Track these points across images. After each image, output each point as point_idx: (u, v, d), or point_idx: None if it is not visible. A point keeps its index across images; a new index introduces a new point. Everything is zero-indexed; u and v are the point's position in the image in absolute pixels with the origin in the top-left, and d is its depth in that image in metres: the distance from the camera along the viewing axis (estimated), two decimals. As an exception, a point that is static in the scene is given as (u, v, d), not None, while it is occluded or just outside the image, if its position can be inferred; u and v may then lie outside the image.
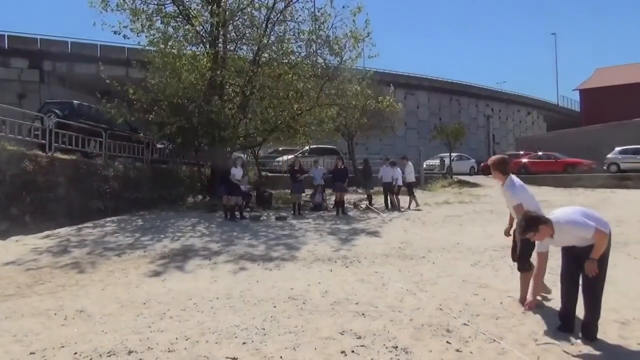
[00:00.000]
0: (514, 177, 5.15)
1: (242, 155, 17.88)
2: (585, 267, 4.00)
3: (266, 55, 16.25)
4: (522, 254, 5.19)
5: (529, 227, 4.11)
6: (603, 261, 4.09)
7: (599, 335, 4.18)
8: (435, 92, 43.28)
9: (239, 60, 16.67)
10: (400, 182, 15.59)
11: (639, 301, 5.21)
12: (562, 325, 4.36)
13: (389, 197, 15.58)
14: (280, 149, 23.95)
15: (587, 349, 3.99)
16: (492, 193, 18.48)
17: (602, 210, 12.72)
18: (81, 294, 6.21)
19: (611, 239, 4.16)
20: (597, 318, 4.19)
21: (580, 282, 4.20)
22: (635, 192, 17.71)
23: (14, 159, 11.49)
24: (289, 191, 15.18)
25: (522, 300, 4.93)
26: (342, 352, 4.04)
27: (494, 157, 5.40)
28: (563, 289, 4.38)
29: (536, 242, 4.33)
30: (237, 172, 13.09)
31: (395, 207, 15.28)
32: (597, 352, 3.95)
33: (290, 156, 22.11)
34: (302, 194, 14.90)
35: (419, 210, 14.77)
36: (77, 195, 12.81)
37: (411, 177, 16.09)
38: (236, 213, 12.92)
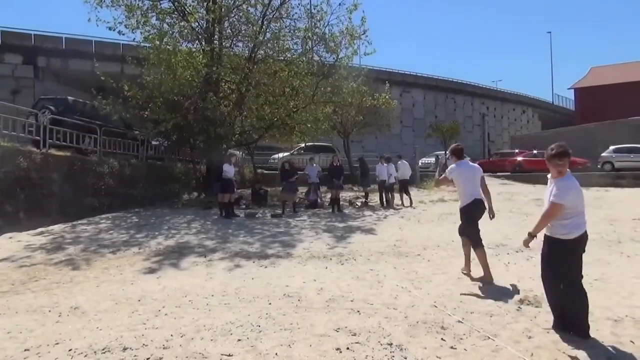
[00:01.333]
0: (463, 161, 6.33)
1: (237, 153, 17.84)
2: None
3: (262, 52, 16.24)
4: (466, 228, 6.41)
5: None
6: (566, 257, 4.26)
7: (593, 334, 4.21)
8: (431, 90, 43.34)
9: (234, 57, 16.62)
10: (392, 180, 15.58)
11: (631, 299, 5.26)
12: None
13: (384, 195, 15.60)
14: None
15: (581, 346, 4.02)
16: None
17: (596, 209, 12.89)
18: (76, 290, 6.19)
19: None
20: (578, 315, 4.20)
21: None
22: (629, 190, 17.82)
23: (7, 155, 11.41)
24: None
25: (486, 276, 5.77)
26: (337, 349, 4.05)
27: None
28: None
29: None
30: (229, 169, 13.05)
31: (390, 204, 15.30)
32: (590, 350, 3.97)
33: (286, 154, 22.15)
34: (296, 193, 14.76)
35: (412, 208, 14.79)
36: (71, 192, 12.75)
37: (405, 175, 16.09)
38: (235, 210, 12.91)
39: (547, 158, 4.32)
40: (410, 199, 15.53)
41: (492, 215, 6.27)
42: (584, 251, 4.40)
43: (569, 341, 4.12)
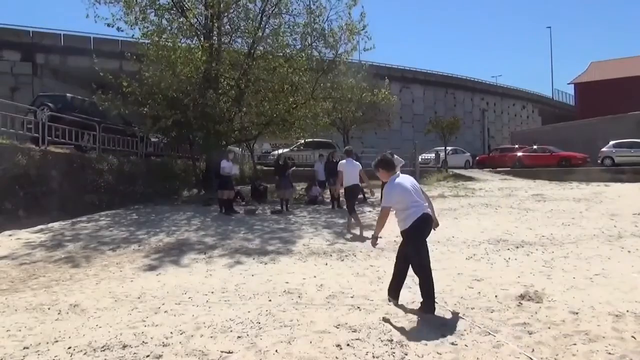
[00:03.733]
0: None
1: (235, 150, 17.79)
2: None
3: (261, 48, 16.19)
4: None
5: (377, 163, 5.03)
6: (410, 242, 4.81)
7: (594, 329, 4.20)
8: (431, 86, 43.23)
9: (234, 53, 16.58)
10: None
11: (632, 294, 5.23)
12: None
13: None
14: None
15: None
16: (487, 187, 18.54)
17: (596, 204, 12.87)
18: (75, 288, 6.18)
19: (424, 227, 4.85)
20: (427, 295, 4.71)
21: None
22: (629, 185, 17.78)
23: (6, 152, 11.40)
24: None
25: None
26: (337, 345, 4.03)
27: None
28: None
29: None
30: (227, 166, 13.01)
31: None
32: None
33: (286, 150, 22.13)
34: (290, 189, 14.53)
35: None
36: (71, 189, 12.73)
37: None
38: (235, 207, 12.88)
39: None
40: None
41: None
42: (428, 233, 4.97)
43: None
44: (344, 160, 10.66)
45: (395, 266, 5.10)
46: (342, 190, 10.76)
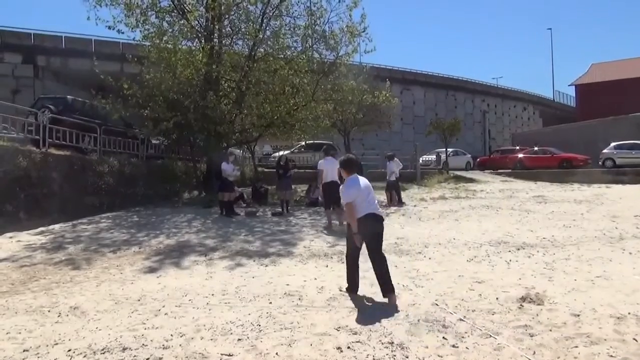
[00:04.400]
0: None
1: (236, 152, 17.79)
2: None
3: (262, 50, 16.20)
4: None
5: (342, 163, 5.61)
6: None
7: (596, 331, 4.18)
8: (431, 88, 43.26)
9: (234, 55, 16.59)
10: (392, 178, 15.42)
11: (634, 296, 5.22)
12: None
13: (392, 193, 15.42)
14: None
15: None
16: (488, 188, 18.53)
17: (597, 206, 12.86)
18: (75, 290, 6.17)
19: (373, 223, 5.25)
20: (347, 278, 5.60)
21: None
22: (630, 187, 17.77)
23: (7, 154, 11.40)
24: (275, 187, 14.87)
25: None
26: (338, 348, 4.02)
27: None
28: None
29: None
30: (228, 168, 13.01)
31: (393, 201, 15.22)
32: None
33: (287, 151, 22.11)
34: (290, 190, 14.45)
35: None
36: (71, 191, 12.74)
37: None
38: (236, 209, 12.87)
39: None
40: (399, 198, 15.38)
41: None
42: (376, 233, 5.38)
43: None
44: (322, 160, 11.25)
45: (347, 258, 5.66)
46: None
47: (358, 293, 5.55)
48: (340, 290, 5.71)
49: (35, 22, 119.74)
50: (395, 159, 15.92)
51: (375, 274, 5.33)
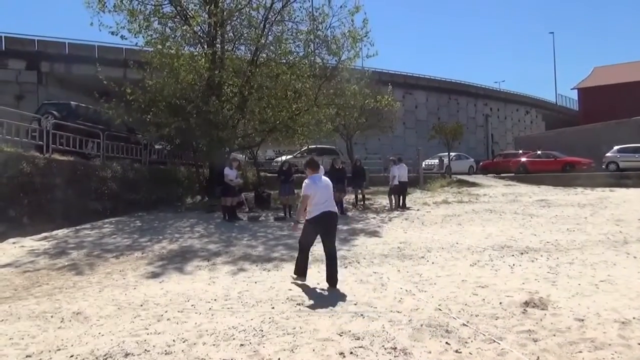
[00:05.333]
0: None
1: (239, 157, 17.78)
2: None
3: (264, 55, 16.23)
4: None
5: (306, 164, 6.51)
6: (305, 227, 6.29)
7: (600, 336, 4.16)
8: (434, 92, 43.21)
9: (237, 60, 16.63)
10: (395, 182, 15.40)
11: (639, 300, 5.19)
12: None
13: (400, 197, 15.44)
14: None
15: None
16: (491, 192, 18.49)
17: (601, 210, 12.82)
18: (78, 296, 6.17)
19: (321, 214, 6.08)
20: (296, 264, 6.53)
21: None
22: (634, 190, 17.70)
23: (11, 160, 11.45)
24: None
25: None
26: (341, 353, 4.00)
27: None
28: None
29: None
30: (230, 173, 13.01)
31: (396, 205, 15.24)
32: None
33: (289, 156, 22.12)
34: (292, 195, 14.41)
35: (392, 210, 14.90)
36: (75, 196, 12.77)
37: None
38: (239, 214, 12.86)
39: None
40: (391, 203, 15.44)
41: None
42: (327, 227, 6.26)
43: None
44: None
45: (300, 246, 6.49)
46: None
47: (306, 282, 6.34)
48: (292, 277, 6.53)
49: (39, 29, 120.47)
50: (402, 163, 15.94)
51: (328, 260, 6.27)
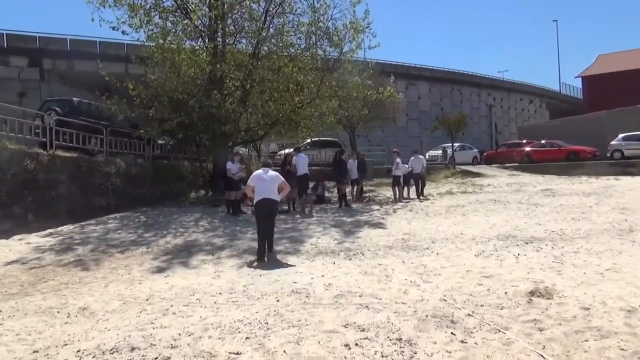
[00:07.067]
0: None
1: (242, 150, 17.78)
2: None
3: (266, 48, 16.14)
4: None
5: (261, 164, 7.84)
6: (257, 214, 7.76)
7: (606, 325, 4.14)
8: (437, 82, 43.00)
9: (238, 53, 16.55)
10: (397, 173, 15.35)
11: (645, 288, 5.16)
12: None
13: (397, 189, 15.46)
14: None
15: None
16: (495, 182, 18.43)
17: (606, 198, 12.75)
18: (84, 291, 6.21)
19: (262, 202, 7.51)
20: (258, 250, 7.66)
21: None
22: (639, 178, 17.59)
23: (15, 157, 11.48)
24: None
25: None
26: (346, 345, 4.01)
27: None
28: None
29: None
30: (232, 167, 13.01)
31: (401, 197, 15.27)
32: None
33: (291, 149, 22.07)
34: (296, 189, 14.30)
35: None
36: (79, 192, 12.80)
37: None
38: (242, 207, 12.87)
39: None
40: (395, 195, 15.49)
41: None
42: (266, 213, 7.60)
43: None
44: (295, 156, 13.80)
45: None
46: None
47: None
48: (250, 261, 7.43)
49: (40, 26, 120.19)
50: (419, 155, 16.06)
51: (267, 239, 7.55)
